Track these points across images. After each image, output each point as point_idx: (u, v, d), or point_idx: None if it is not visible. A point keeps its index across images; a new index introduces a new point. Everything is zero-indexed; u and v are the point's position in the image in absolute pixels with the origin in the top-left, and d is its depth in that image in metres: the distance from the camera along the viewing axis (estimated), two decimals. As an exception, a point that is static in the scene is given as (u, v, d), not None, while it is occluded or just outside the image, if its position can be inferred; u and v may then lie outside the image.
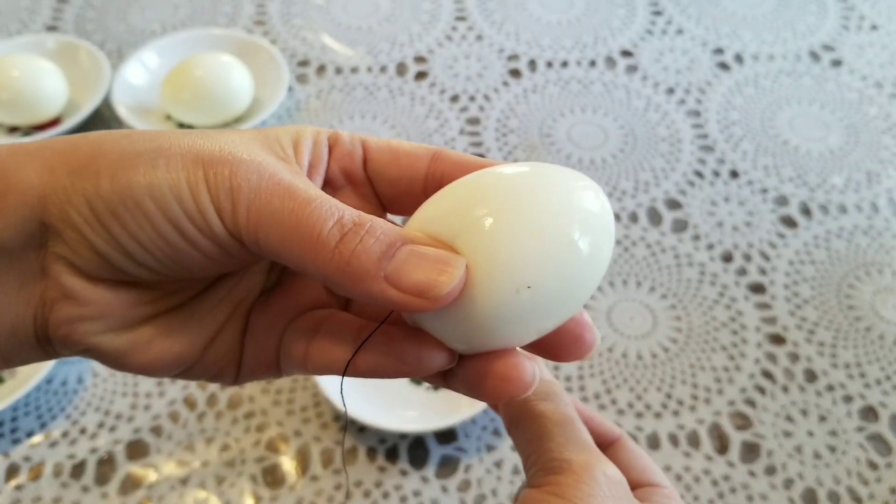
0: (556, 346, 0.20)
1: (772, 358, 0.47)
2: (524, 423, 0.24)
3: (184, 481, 0.42)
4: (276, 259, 0.20)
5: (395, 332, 0.20)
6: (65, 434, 0.44)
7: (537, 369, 0.19)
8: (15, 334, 0.20)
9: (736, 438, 0.44)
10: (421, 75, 0.65)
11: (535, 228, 0.17)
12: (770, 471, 0.43)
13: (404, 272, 0.18)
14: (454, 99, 0.63)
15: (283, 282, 0.24)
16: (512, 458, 0.43)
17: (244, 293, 0.23)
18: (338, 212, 0.18)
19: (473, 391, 0.20)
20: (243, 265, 0.21)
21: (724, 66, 0.66)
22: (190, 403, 0.45)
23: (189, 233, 0.19)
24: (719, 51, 0.68)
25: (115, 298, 0.20)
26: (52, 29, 0.68)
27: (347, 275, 0.18)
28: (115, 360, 0.21)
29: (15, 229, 0.19)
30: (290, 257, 0.19)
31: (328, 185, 0.23)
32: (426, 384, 0.45)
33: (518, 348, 0.19)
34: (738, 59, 0.67)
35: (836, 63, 0.67)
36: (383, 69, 0.65)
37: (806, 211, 0.56)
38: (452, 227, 0.18)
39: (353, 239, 0.18)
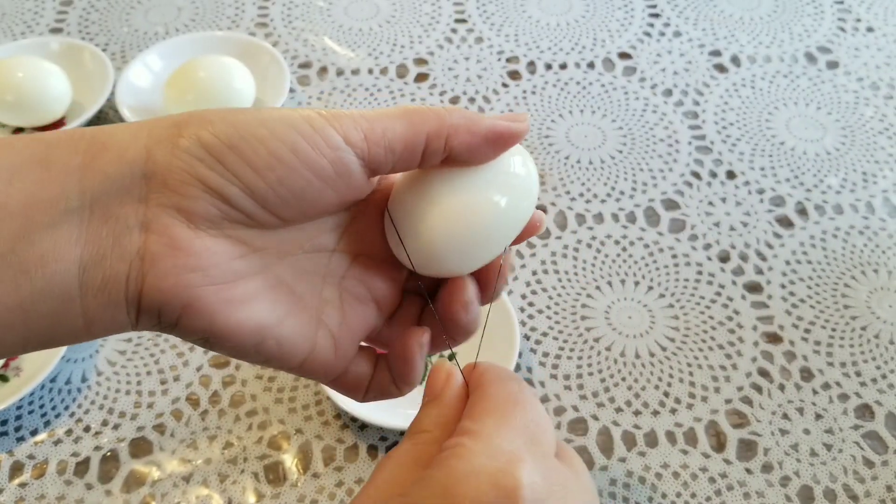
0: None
1: (768, 357, 0.48)
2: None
3: (187, 479, 0.42)
4: (401, 149, 0.22)
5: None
6: (69, 432, 0.44)
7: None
8: (104, 289, 0.20)
9: (733, 436, 0.44)
10: (421, 77, 0.65)
11: (470, 190, 0.24)
12: (767, 468, 0.43)
13: (499, 118, 0.24)
14: (454, 101, 0.63)
15: (351, 303, 0.26)
16: (511, 456, 0.43)
17: (306, 291, 0.25)
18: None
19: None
20: (350, 192, 0.23)
21: (721, 68, 0.67)
22: (193, 402, 0.45)
23: (306, 153, 0.21)
24: (716, 53, 0.68)
25: (215, 249, 0.21)
26: (55, 31, 0.69)
27: (471, 120, 0.23)
28: (209, 318, 0.22)
29: (112, 183, 0.20)
30: (418, 133, 0.22)
31: None
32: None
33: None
34: (735, 60, 0.67)
35: (833, 65, 0.67)
36: (384, 71, 0.66)
37: (802, 211, 0.56)
38: (427, 184, 0.25)
39: (454, 107, 0.23)
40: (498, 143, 0.23)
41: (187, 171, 0.20)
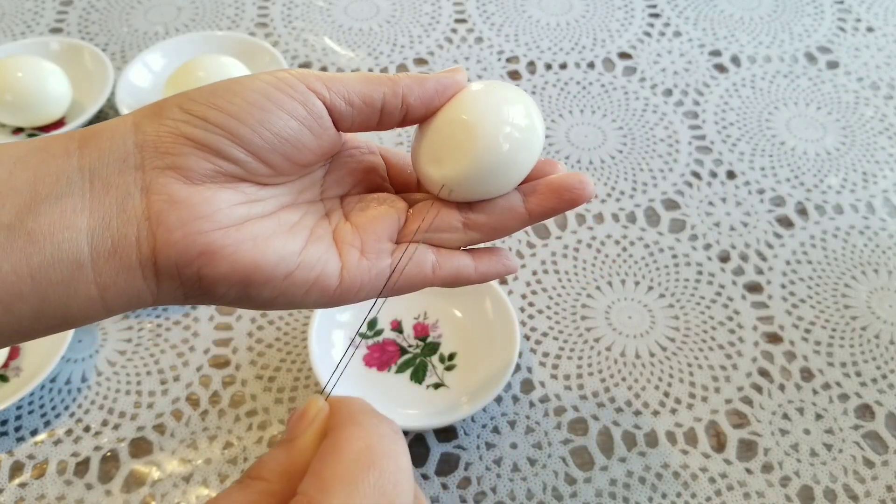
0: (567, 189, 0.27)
1: (769, 357, 0.48)
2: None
3: (187, 479, 0.42)
4: (354, 104, 0.25)
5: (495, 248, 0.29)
6: (69, 432, 0.44)
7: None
8: (115, 254, 0.21)
9: (733, 436, 0.44)
10: (421, 77, 0.65)
11: (480, 130, 0.26)
12: (767, 468, 0.43)
13: (439, 73, 0.27)
14: (454, 100, 0.63)
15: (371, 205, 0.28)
16: (511, 456, 0.43)
17: (314, 222, 0.27)
18: None
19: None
20: (322, 137, 0.25)
21: (721, 68, 0.67)
22: (193, 402, 0.45)
23: (277, 97, 0.23)
24: (716, 53, 0.68)
25: (215, 197, 0.23)
26: (55, 31, 0.69)
27: (419, 79, 0.26)
28: (230, 259, 0.23)
29: (108, 156, 0.22)
30: (372, 93, 0.25)
31: None
32: (427, 382, 0.46)
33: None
34: (735, 60, 0.67)
35: (833, 65, 0.67)
36: (384, 71, 0.66)
37: (802, 211, 0.56)
38: (449, 126, 0.27)
39: (402, 73, 0.26)
40: (445, 93, 0.27)
41: (175, 132, 0.22)
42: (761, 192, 0.57)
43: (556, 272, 0.52)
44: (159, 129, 0.22)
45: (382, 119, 0.26)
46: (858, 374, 0.47)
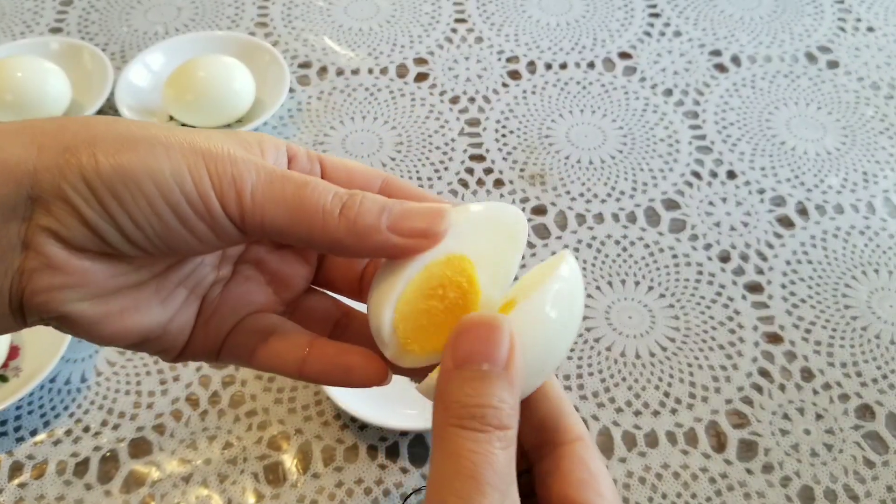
0: None
1: (769, 357, 0.48)
2: None
3: (186, 479, 0.42)
4: (278, 237, 0.22)
5: (346, 346, 0.25)
6: (68, 432, 0.44)
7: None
8: None
9: (733, 436, 0.44)
10: (421, 77, 0.65)
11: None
12: (767, 469, 0.43)
13: (403, 222, 0.21)
14: (454, 100, 0.63)
15: (238, 280, 0.26)
16: (511, 456, 0.43)
17: (200, 278, 0.25)
18: (332, 188, 0.22)
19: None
20: (227, 246, 0.23)
21: (721, 68, 0.67)
22: (192, 402, 0.45)
23: (186, 216, 0.21)
24: (717, 52, 0.68)
25: (93, 269, 0.22)
26: (55, 31, 0.69)
27: (355, 233, 0.21)
28: (87, 329, 0.22)
29: (0, 202, 0.20)
30: (296, 232, 0.21)
31: None
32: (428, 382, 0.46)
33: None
34: (736, 60, 0.67)
35: (833, 64, 0.67)
36: (384, 71, 0.66)
37: (803, 211, 0.56)
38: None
39: (353, 205, 0.21)
40: (393, 254, 0.22)
41: (70, 203, 0.20)
42: (761, 191, 0.57)
43: (556, 272, 0.52)
44: (56, 192, 0.20)
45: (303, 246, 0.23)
46: (859, 375, 0.47)
